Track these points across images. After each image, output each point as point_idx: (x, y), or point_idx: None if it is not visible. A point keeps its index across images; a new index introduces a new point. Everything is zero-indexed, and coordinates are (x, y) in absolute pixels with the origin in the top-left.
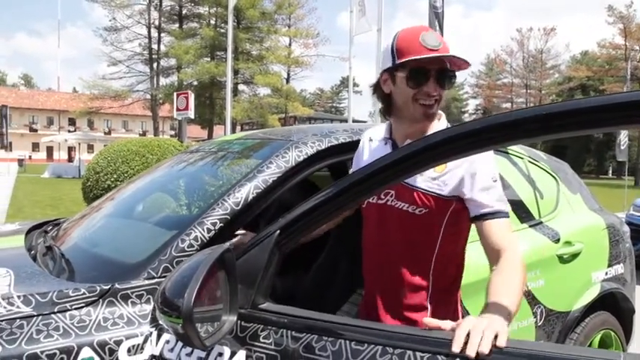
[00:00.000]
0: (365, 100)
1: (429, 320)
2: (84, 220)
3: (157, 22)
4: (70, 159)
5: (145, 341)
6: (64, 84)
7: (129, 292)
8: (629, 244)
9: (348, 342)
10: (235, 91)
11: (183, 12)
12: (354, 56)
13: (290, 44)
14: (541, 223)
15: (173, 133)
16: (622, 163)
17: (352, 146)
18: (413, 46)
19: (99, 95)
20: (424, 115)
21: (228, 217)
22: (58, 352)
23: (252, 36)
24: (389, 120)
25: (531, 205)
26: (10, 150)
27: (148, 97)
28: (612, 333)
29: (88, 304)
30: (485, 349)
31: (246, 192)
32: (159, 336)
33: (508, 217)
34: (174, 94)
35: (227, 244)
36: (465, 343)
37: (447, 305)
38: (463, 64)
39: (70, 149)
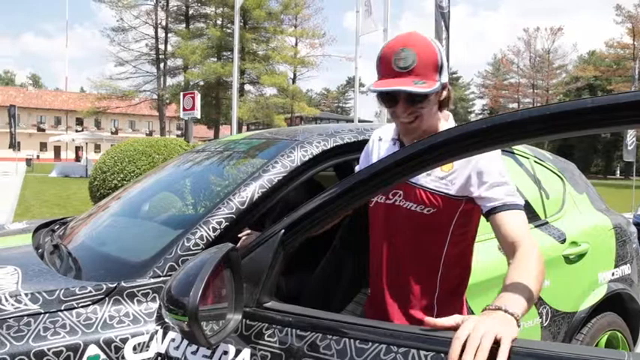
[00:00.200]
0: (371, 100)
1: (429, 319)
2: (91, 219)
3: (163, 23)
4: (78, 158)
5: (151, 339)
6: (72, 84)
7: (135, 290)
8: (636, 244)
9: (352, 340)
10: (242, 91)
11: (190, 12)
12: (360, 56)
13: (296, 44)
14: (547, 223)
15: (180, 133)
16: (630, 163)
17: (358, 146)
18: (384, 67)
19: (106, 95)
20: (405, 131)
21: (234, 216)
22: (64, 349)
23: (258, 36)
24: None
25: (537, 205)
26: (19, 149)
27: (155, 97)
28: (619, 334)
29: (94, 302)
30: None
31: (251, 191)
32: (164, 334)
33: (522, 209)
34: (181, 94)
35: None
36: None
37: (454, 306)
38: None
39: (78, 149)
